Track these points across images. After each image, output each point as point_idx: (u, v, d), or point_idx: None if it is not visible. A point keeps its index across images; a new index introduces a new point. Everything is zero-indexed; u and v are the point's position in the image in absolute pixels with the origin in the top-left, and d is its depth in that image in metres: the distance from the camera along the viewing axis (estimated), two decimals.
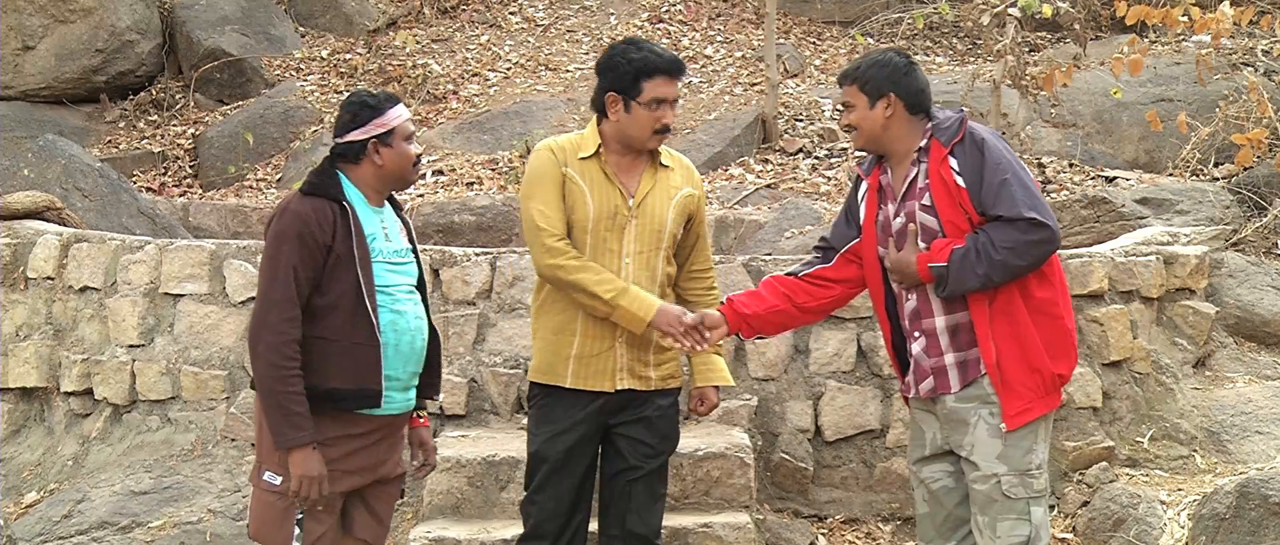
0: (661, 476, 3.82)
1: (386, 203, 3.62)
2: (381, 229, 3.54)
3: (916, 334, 3.51)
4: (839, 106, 9.47)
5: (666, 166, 3.80)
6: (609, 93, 3.68)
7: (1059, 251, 3.49)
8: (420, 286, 3.67)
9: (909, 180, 3.49)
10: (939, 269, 3.36)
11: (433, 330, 3.67)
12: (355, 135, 3.48)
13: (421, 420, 3.76)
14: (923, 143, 3.47)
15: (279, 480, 3.38)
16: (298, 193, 3.47)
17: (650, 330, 3.65)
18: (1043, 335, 3.38)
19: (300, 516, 3.41)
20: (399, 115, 3.52)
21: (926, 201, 3.42)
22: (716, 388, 3.91)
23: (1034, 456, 3.40)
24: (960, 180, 3.37)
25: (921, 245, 3.43)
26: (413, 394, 3.64)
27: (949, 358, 3.44)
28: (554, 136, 3.91)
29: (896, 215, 3.52)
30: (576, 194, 3.68)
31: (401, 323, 3.52)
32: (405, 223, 3.68)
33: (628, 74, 3.64)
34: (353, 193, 3.50)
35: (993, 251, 3.28)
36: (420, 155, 3.60)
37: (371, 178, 3.52)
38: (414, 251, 3.67)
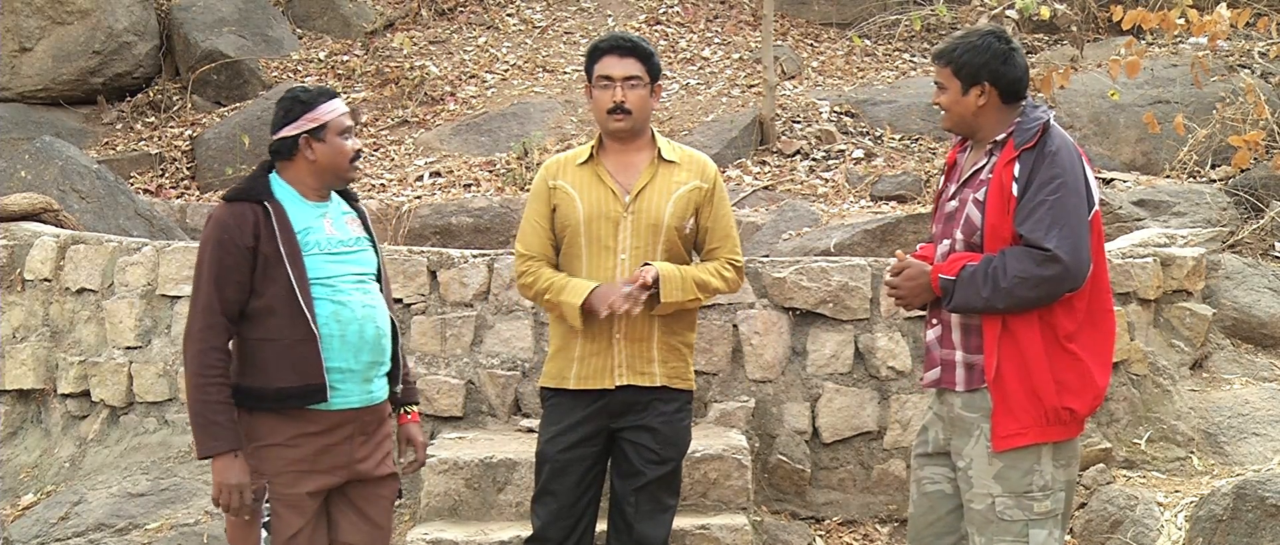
0: (669, 485, 3.80)
1: (334, 194, 3.58)
2: (322, 221, 3.49)
3: (934, 321, 3.44)
4: (837, 111, 9.50)
5: (671, 161, 3.79)
6: (585, 84, 3.87)
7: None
8: (379, 278, 3.62)
9: (976, 168, 3.38)
10: (946, 283, 3.28)
11: (393, 322, 3.62)
12: (287, 131, 3.45)
13: (410, 416, 3.74)
14: (1001, 136, 3.34)
15: None
16: (221, 199, 3.47)
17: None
18: (1054, 367, 3.24)
19: (267, 519, 3.40)
20: (332, 110, 3.47)
21: (980, 196, 3.31)
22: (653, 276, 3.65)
23: (1036, 479, 3.28)
24: (1015, 188, 3.24)
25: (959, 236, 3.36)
26: (377, 387, 3.56)
27: (959, 355, 3.36)
28: (563, 150, 3.99)
29: (952, 198, 3.43)
30: (567, 200, 3.77)
31: (345, 313, 3.45)
32: (360, 213, 3.64)
33: (587, 59, 3.83)
34: (285, 191, 3.47)
35: (1001, 278, 3.18)
36: (360, 151, 3.56)
37: (306, 174, 3.48)
38: (372, 242, 3.62)
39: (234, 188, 3.49)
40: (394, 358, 3.63)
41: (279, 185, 3.48)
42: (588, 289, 3.64)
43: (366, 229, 3.63)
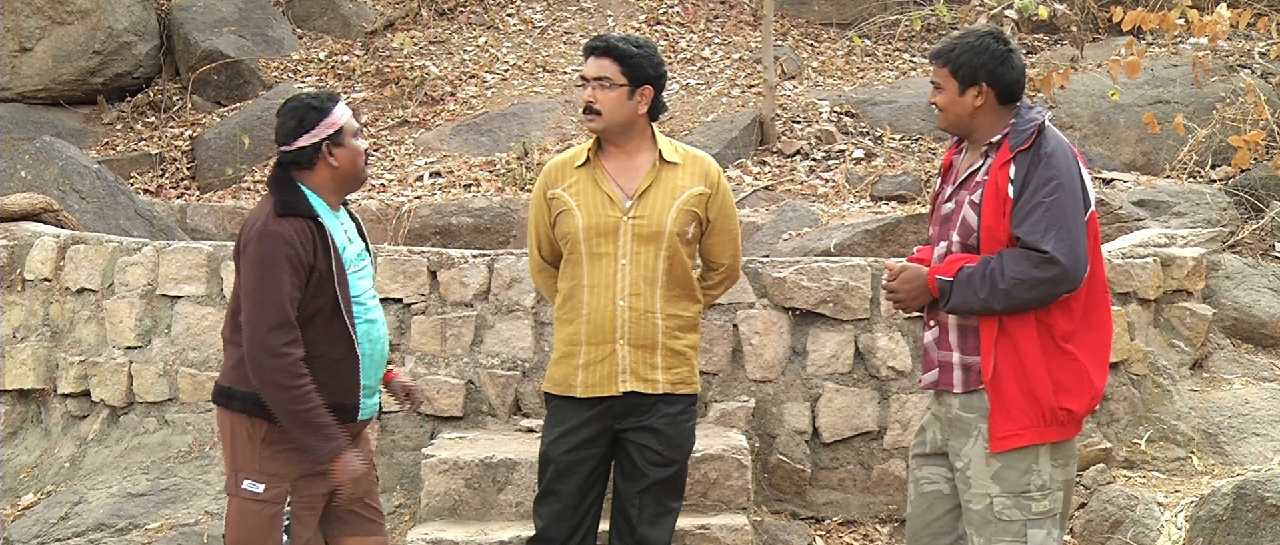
0: (672, 488, 3.80)
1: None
2: (344, 235, 3.51)
3: (932, 323, 3.44)
4: (837, 111, 9.49)
5: (672, 162, 3.77)
6: None
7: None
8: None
9: (972, 170, 3.38)
10: (943, 284, 3.28)
11: None
12: (306, 140, 3.42)
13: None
14: (997, 137, 3.34)
15: (262, 487, 3.37)
16: (271, 213, 3.38)
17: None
18: (1052, 368, 3.25)
19: (287, 523, 3.41)
20: (344, 113, 3.47)
21: (976, 198, 3.31)
22: None
23: (1034, 479, 3.29)
24: (1011, 190, 3.24)
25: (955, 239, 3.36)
26: (378, 397, 3.64)
27: (956, 357, 3.36)
28: (563, 150, 3.99)
29: (948, 200, 3.44)
30: (565, 212, 3.75)
31: (374, 332, 3.51)
32: (357, 222, 3.66)
33: None
34: (317, 203, 3.45)
35: (998, 279, 3.18)
36: (367, 150, 3.56)
37: (328, 181, 3.47)
38: (368, 250, 3.65)
39: (282, 201, 3.39)
40: None
41: (311, 197, 3.45)
42: None
43: (363, 237, 3.65)
